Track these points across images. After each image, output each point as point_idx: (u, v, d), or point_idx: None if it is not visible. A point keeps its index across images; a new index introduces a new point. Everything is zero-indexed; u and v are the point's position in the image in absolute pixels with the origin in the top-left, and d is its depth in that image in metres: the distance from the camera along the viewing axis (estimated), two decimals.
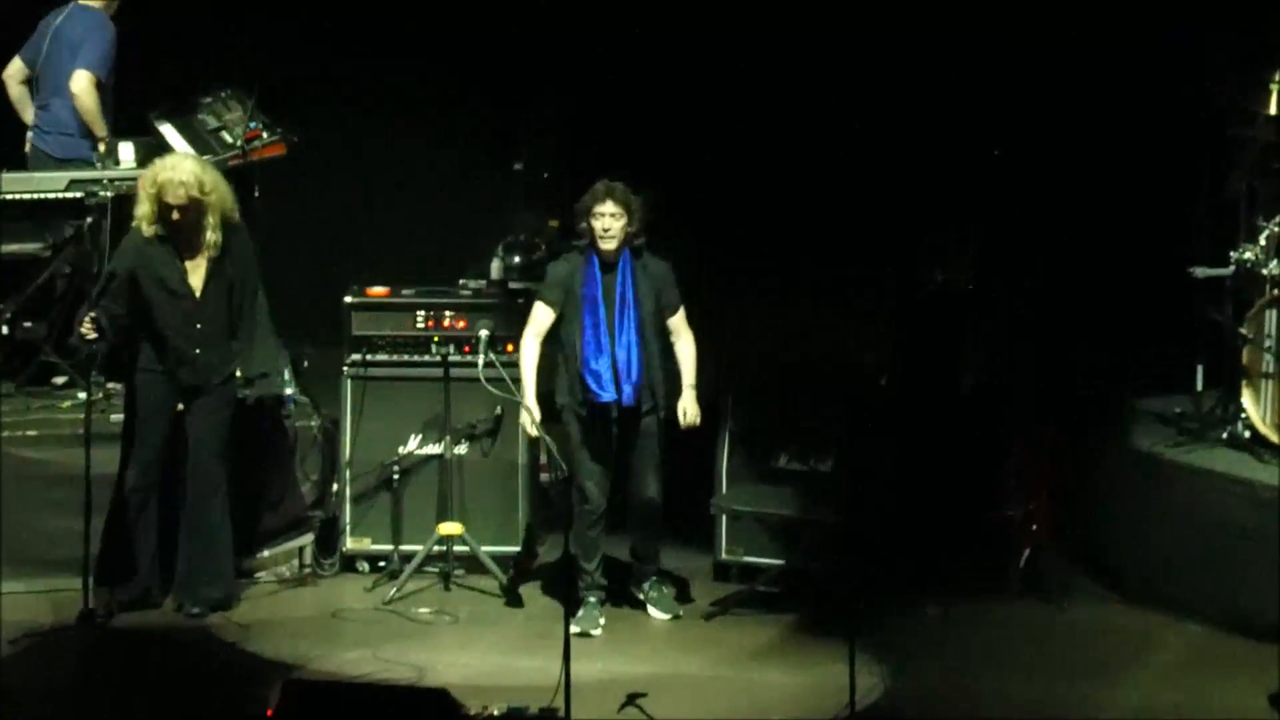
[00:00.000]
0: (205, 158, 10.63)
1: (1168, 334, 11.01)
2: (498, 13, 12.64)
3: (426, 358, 10.75)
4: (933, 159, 12.32)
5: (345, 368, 10.77)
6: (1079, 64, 11.84)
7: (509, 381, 10.27)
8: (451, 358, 10.68)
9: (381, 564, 10.70)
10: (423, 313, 10.79)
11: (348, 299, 10.82)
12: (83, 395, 10.30)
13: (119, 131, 11.28)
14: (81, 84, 11.19)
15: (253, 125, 11.35)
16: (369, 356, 10.75)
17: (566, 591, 9.86)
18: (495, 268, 11.67)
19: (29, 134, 11.45)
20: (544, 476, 10.87)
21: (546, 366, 10.13)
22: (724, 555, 10.66)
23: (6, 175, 11.00)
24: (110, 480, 10.01)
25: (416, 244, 12.41)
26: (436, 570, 10.57)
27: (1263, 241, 10.32)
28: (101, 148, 11.14)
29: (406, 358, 10.77)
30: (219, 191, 9.95)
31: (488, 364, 10.40)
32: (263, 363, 10.33)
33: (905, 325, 11.57)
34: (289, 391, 10.85)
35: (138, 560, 10.06)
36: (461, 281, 11.04)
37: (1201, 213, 10.81)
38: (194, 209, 9.88)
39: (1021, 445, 10.53)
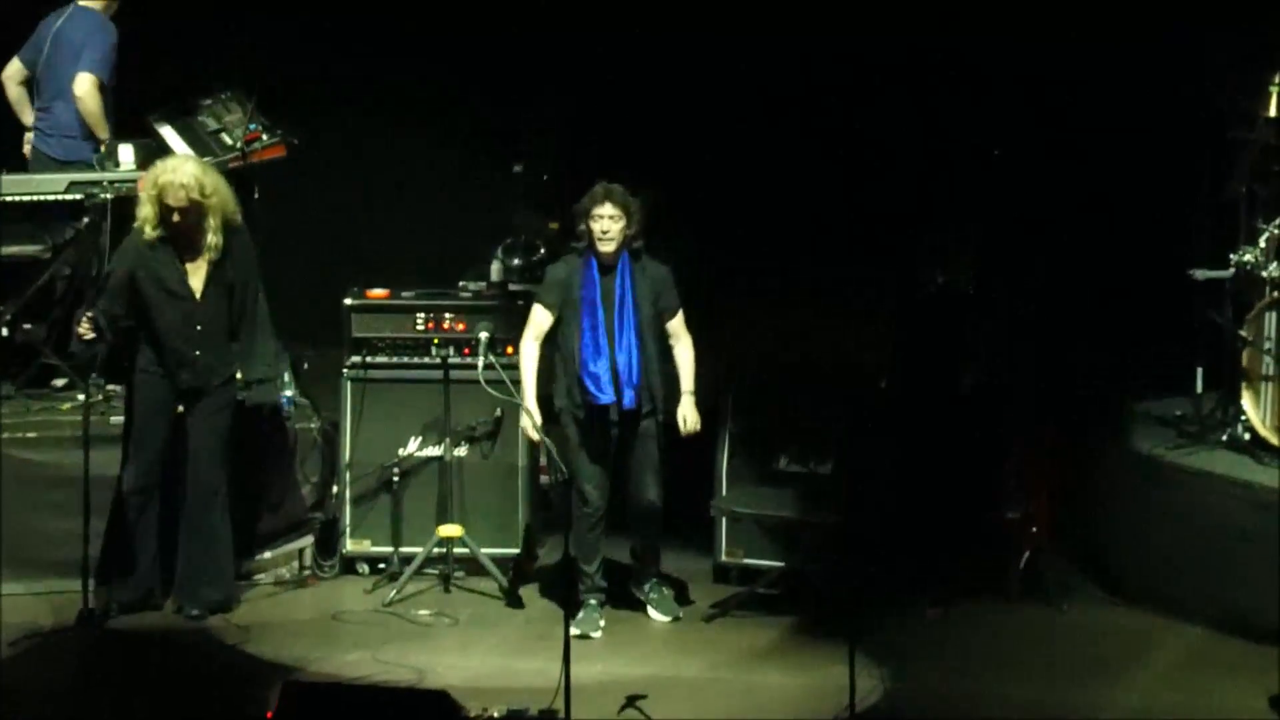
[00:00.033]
0: (205, 160, 10.62)
1: (1168, 335, 10.99)
2: (498, 13, 12.63)
3: (426, 360, 10.73)
4: (933, 159, 12.31)
5: (345, 370, 10.76)
6: (1079, 64, 11.84)
7: (509, 384, 10.27)
8: (451, 360, 10.66)
9: (381, 566, 10.70)
10: (422, 315, 10.78)
11: (347, 301, 10.81)
12: (82, 397, 10.30)
13: (119, 133, 11.28)
14: (85, 87, 11.19)
15: (252, 127, 11.35)
16: (369, 358, 10.74)
17: (566, 593, 9.86)
18: (495, 269, 11.68)
19: (28, 135, 11.45)
20: (544, 479, 10.86)
21: (546, 369, 10.13)
22: (724, 557, 10.64)
23: (6, 177, 11.00)
24: (110, 482, 10.02)
25: (416, 245, 12.40)
26: (436, 572, 10.56)
27: (1262, 244, 10.31)
28: (103, 149, 11.14)
29: (406, 360, 10.76)
30: (220, 194, 9.94)
31: (488, 366, 10.39)
32: (263, 365, 10.31)
33: (905, 326, 11.55)
34: (288, 394, 10.85)
35: (138, 562, 10.06)
36: (461, 283, 11.05)
37: (1201, 214, 10.79)
38: (195, 211, 9.87)
39: (1021, 446, 10.52)
